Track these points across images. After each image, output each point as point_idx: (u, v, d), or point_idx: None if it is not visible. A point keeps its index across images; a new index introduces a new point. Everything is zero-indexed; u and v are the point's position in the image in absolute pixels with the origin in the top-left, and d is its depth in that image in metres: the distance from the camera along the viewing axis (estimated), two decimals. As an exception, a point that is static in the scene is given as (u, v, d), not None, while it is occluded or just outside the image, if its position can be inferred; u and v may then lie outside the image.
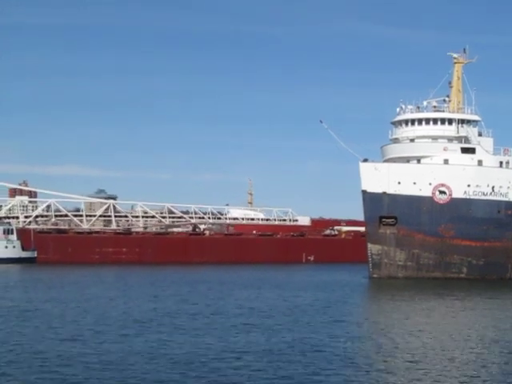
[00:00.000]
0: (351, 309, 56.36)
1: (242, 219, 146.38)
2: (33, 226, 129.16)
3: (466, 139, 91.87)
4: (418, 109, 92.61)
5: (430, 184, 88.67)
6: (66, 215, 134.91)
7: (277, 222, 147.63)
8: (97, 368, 30.53)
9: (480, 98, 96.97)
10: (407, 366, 31.50)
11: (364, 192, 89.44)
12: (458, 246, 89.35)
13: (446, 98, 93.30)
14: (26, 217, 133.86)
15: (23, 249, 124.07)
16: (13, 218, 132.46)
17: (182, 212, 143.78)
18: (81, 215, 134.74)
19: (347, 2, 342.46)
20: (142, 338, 38.46)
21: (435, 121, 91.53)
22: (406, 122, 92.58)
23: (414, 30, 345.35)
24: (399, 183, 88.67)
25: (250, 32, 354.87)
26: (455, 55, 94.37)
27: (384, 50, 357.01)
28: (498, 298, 66.92)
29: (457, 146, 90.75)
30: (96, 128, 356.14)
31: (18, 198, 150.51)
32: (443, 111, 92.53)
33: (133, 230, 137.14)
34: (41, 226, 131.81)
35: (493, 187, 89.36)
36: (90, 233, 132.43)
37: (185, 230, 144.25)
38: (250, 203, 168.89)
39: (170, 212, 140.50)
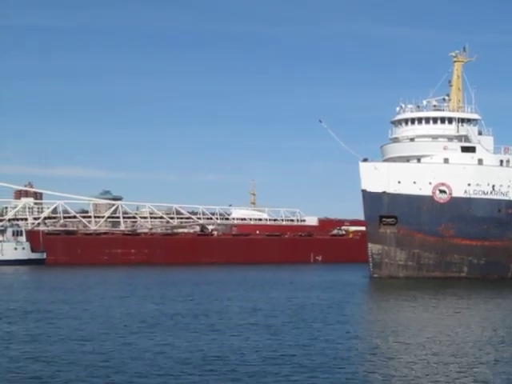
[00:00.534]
0: (351, 308, 56.03)
1: (250, 219, 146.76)
2: (41, 228, 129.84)
3: (466, 138, 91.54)
4: (418, 108, 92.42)
5: (430, 183, 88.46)
6: (75, 216, 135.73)
7: (284, 223, 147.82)
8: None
9: (480, 96, 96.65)
10: (407, 366, 31.40)
11: (364, 191, 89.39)
12: (458, 246, 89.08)
13: (446, 97, 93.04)
14: (34, 218, 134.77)
15: (32, 250, 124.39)
16: (21, 219, 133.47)
17: (190, 213, 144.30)
18: (89, 216, 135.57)
19: (347, 2, 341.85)
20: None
21: (435, 120, 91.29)
22: (406, 121, 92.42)
23: (413, 29, 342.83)
24: (399, 182, 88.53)
25: (250, 32, 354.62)
26: (455, 54, 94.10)
27: (384, 49, 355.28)
28: (498, 298, 66.48)
29: (457, 145, 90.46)
30: (99, 129, 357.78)
31: (24, 199, 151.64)
32: (443, 110, 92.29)
33: (138, 230, 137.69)
34: (49, 228, 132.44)
35: (493, 186, 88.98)
36: (99, 234, 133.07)
37: (191, 230, 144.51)
38: (253, 203, 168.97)
39: (178, 213, 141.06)
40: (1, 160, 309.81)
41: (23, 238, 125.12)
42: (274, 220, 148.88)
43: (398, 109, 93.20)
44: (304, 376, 29.27)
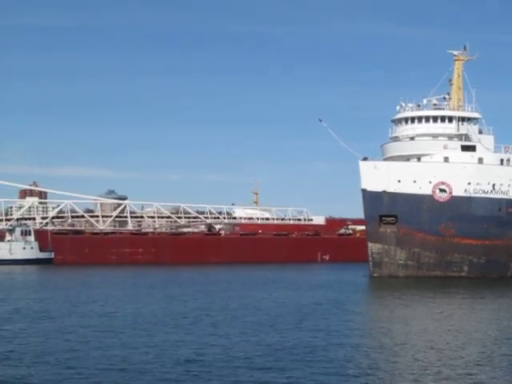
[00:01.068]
0: (351, 308, 55.75)
1: (258, 219, 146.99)
2: (49, 228, 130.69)
3: (467, 137, 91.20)
4: (418, 107, 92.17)
5: (430, 182, 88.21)
6: (82, 216, 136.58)
7: (291, 222, 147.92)
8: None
9: (480, 95, 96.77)
10: (406, 366, 31.42)
11: (364, 191, 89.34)
12: (458, 245, 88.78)
13: (446, 96, 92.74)
14: (42, 218, 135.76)
15: (40, 250, 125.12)
16: (29, 219, 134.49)
17: (197, 212, 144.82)
18: (97, 216, 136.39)
19: (347, 2, 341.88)
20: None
21: (435, 119, 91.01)
22: (406, 120, 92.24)
23: (414, 28, 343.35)
24: (399, 181, 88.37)
25: (250, 32, 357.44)
26: (455, 53, 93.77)
27: (384, 48, 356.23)
28: (499, 297, 66.26)
29: (457, 144, 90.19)
30: (103, 129, 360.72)
31: (29, 198, 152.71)
32: (443, 109, 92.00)
33: (143, 230, 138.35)
34: (57, 227, 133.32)
35: (493, 185, 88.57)
36: (107, 233, 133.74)
37: (195, 229, 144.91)
38: (256, 203, 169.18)
39: (186, 212, 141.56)
40: (4, 160, 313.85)
41: (32, 238, 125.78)
42: (281, 219, 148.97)
43: (398, 108, 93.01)
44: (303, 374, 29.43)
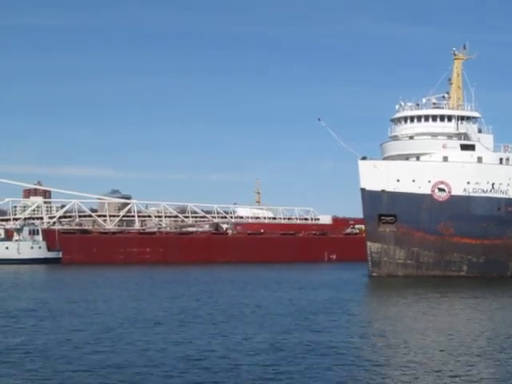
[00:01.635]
0: (350, 308, 55.34)
1: (264, 218, 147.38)
2: (57, 227, 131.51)
3: (466, 136, 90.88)
4: (418, 106, 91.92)
5: (429, 181, 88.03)
6: (90, 215, 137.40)
7: (298, 221, 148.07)
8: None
9: (480, 94, 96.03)
10: (406, 365, 31.22)
11: (363, 190, 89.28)
12: (457, 244, 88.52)
13: (446, 95, 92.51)
14: (49, 217, 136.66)
15: (48, 249, 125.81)
16: (37, 218, 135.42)
17: (204, 212, 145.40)
18: (104, 215, 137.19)
19: (347, 1, 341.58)
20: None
21: (434, 118, 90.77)
22: (405, 119, 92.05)
23: (413, 27, 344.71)
24: (398, 181, 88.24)
25: (250, 32, 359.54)
26: (455, 52, 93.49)
27: (383, 47, 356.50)
28: (498, 296, 66.00)
29: (456, 143, 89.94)
30: (105, 129, 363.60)
31: (33, 198, 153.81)
32: (442, 108, 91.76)
33: (147, 230, 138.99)
34: (65, 227, 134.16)
35: (493, 184, 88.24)
36: (114, 233, 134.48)
37: (199, 229, 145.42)
38: (258, 202, 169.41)
39: (193, 212, 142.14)
40: (6, 160, 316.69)
41: (39, 237, 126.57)
42: (288, 219, 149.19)
43: (397, 107, 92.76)
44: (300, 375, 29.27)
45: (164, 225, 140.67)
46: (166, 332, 40.28)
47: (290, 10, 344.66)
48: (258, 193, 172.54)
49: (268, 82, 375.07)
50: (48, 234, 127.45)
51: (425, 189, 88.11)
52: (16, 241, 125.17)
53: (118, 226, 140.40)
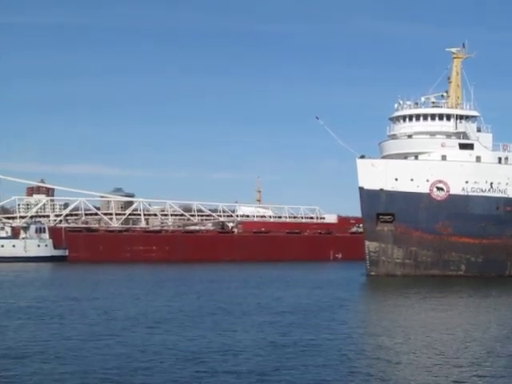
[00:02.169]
0: (345, 307, 55.14)
1: (270, 217, 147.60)
2: (63, 225, 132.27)
3: (465, 135, 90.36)
4: (416, 105, 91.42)
5: (428, 180, 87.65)
6: (96, 214, 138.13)
7: (304, 220, 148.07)
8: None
9: (479, 93, 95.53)
10: (404, 365, 31.08)
11: (361, 189, 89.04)
12: (456, 244, 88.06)
13: (445, 94, 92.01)
14: (56, 215, 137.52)
15: (55, 247, 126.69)
16: (43, 216, 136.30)
17: (210, 210, 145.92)
18: (110, 213, 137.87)
19: (346, 0, 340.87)
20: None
21: (433, 116, 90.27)
22: (404, 117, 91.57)
23: (413, 25, 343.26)
24: (396, 180, 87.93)
25: (251, 31, 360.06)
26: (454, 50, 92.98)
27: (382, 46, 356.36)
28: (496, 297, 65.47)
29: (455, 142, 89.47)
30: (108, 127, 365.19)
31: (36, 196, 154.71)
32: (441, 107, 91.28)
33: (150, 228, 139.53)
34: (71, 225, 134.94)
35: (491, 183, 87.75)
36: (121, 231, 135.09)
37: (202, 227, 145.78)
38: (259, 201, 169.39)
39: (199, 210, 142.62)
40: (8, 158, 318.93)
41: (46, 235, 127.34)
42: (294, 217, 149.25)
43: (396, 105, 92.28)
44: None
45: (170, 223, 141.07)
46: (166, 331, 40.40)
47: (289, 9, 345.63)
48: (259, 191, 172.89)
49: (268, 81, 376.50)
50: (54, 232, 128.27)
51: (423, 188, 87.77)
52: (23, 239, 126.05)
53: (125, 224, 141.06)
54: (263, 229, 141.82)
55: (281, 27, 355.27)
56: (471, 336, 39.50)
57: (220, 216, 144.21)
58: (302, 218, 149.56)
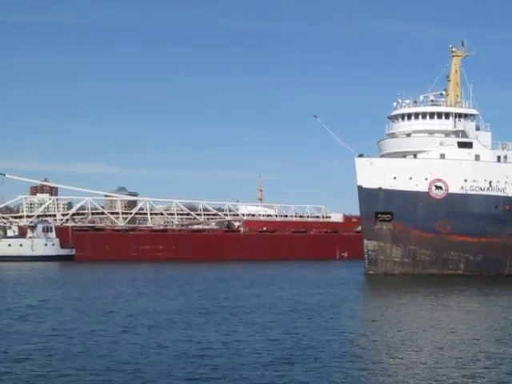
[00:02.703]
0: (346, 305, 55.19)
1: (276, 216, 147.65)
2: (70, 224, 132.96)
3: (464, 133, 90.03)
4: (415, 103, 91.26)
5: (426, 179, 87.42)
6: (102, 213, 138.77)
7: (310, 219, 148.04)
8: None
9: (478, 91, 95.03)
10: (404, 364, 31.01)
11: (360, 188, 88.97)
12: (454, 242, 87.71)
13: (444, 92, 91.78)
14: (62, 215, 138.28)
15: (62, 246, 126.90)
16: (49, 215, 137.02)
17: (218, 209, 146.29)
18: (117, 213, 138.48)
19: None
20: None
21: (432, 115, 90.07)
22: (403, 116, 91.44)
23: (412, 23, 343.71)
24: (395, 178, 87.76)
25: (252, 30, 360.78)
26: (453, 48, 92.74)
27: (381, 44, 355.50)
28: (495, 295, 65.25)
29: (453, 141, 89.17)
30: (111, 126, 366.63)
31: (40, 195, 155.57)
32: (440, 105, 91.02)
33: (155, 227, 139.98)
34: (78, 224, 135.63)
35: (490, 182, 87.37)
36: (127, 230, 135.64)
37: (206, 226, 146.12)
38: (260, 200, 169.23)
39: (205, 209, 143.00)
40: (9, 157, 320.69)
41: (53, 234, 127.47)
42: (300, 216, 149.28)
43: (395, 104, 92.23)
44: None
45: (176, 222, 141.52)
46: (167, 330, 40.63)
47: (289, 9, 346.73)
48: (261, 190, 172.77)
49: (268, 81, 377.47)
50: (61, 232, 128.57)
51: (422, 186, 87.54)
52: (30, 238, 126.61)
53: (130, 223, 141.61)
54: (265, 228, 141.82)
55: (281, 27, 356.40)
56: (472, 335, 39.45)
57: (226, 215, 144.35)
58: (308, 217, 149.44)
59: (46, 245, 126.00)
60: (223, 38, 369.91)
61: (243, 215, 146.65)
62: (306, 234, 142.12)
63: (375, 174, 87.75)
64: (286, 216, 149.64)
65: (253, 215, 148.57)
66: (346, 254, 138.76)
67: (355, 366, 30.49)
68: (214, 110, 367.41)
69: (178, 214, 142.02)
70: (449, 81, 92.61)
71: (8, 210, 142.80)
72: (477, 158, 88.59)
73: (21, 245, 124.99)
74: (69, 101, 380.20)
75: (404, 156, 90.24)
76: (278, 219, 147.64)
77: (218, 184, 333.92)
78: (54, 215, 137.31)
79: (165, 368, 29.82)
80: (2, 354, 32.52)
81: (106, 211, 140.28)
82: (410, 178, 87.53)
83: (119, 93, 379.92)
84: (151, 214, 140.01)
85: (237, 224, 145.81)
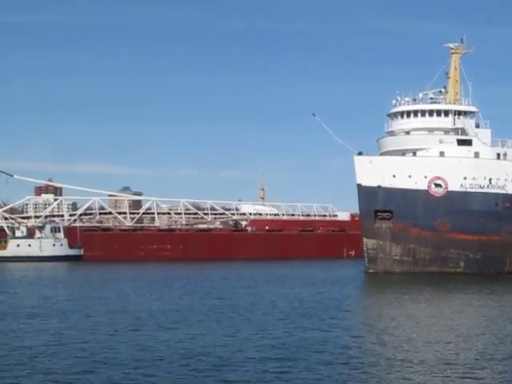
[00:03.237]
0: (345, 304, 54.91)
1: (283, 215, 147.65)
2: (78, 224, 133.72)
3: (463, 131, 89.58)
4: (414, 101, 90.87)
5: (426, 177, 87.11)
6: (110, 213, 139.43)
7: (317, 218, 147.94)
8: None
9: (477, 89, 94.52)
10: (403, 362, 30.90)
11: (359, 186, 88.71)
12: (454, 240, 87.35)
13: (443, 90, 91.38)
14: (70, 215, 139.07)
15: (70, 246, 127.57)
16: (57, 216, 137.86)
17: (225, 209, 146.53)
18: (124, 212, 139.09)
19: None
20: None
21: (431, 112, 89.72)
22: (402, 114, 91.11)
23: (411, 21, 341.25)
24: (394, 176, 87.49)
25: (250, 30, 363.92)
26: (453, 45, 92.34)
27: (380, 42, 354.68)
28: (496, 293, 64.96)
29: (453, 138, 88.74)
30: (114, 126, 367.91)
31: (44, 195, 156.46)
32: (439, 103, 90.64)
33: (164, 227, 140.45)
34: (86, 224, 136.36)
35: (490, 179, 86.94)
36: (135, 230, 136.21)
37: (211, 225, 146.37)
38: (263, 199, 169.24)
39: (212, 209, 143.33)
40: (10, 156, 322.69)
41: (61, 235, 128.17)
42: (307, 215, 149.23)
43: (394, 102, 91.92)
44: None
45: (183, 221, 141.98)
46: (169, 329, 40.65)
47: (289, 8, 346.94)
48: (263, 189, 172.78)
49: (268, 80, 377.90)
50: (69, 232, 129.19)
51: (421, 184, 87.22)
52: (38, 238, 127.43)
53: (136, 223, 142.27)
54: (269, 227, 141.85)
55: (281, 27, 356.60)
56: (472, 333, 39.30)
57: (233, 214, 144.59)
58: (315, 215, 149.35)
59: (54, 245, 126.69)
60: (223, 38, 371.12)
61: (250, 214, 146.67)
62: (313, 233, 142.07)
63: (374, 172, 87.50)
64: (292, 215, 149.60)
65: (260, 214, 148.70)
66: (353, 253, 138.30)
67: (355, 365, 30.30)
68: (214, 110, 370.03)
69: (185, 214, 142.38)
70: (448, 78, 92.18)
71: (13, 210, 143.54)
72: (476, 155, 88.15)
73: (29, 245, 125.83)
74: (69, 101, 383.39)
75: (403, 154, 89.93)
76: (284, 218, 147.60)
77: (220, 183, 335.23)
78: (62, 215, 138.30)
79: (166, 365, 30.05)
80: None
81: (113, 211, 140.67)
82: (410, 176, 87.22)
83: (119, 93, 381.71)
84: (158, 213, 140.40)
85: (244, 223, 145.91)
